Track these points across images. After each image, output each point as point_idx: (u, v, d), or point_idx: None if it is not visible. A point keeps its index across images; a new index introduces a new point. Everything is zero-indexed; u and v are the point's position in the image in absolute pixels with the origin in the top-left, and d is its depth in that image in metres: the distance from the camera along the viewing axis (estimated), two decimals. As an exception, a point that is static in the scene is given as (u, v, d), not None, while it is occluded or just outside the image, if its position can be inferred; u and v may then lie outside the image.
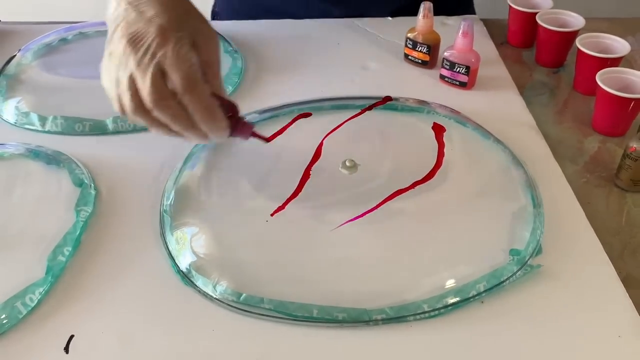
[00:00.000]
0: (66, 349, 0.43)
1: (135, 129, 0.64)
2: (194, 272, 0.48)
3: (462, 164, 0.58)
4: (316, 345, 0.44)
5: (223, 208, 0.53)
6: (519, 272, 0.48)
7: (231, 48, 0.76)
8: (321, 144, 0.60)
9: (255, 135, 0.53)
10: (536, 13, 0.76)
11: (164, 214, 0.53)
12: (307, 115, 0.64)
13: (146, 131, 0.63)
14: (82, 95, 0.69)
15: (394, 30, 0.81)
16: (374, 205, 0.53)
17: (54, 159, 0.59)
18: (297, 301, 0.45)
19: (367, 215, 0.52)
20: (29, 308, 0.45)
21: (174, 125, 0.47)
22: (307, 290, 0.46)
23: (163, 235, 0.51)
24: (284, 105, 0.65)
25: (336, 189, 0.55)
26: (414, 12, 0.73)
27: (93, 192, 0.55)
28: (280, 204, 0.53)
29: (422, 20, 0.71)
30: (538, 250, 0.50)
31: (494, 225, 0.52)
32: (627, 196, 0.57)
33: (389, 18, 0.85)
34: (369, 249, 0.50)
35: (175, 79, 0.45)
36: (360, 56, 0.77)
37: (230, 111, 0.50)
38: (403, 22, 0.83)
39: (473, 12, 0.92)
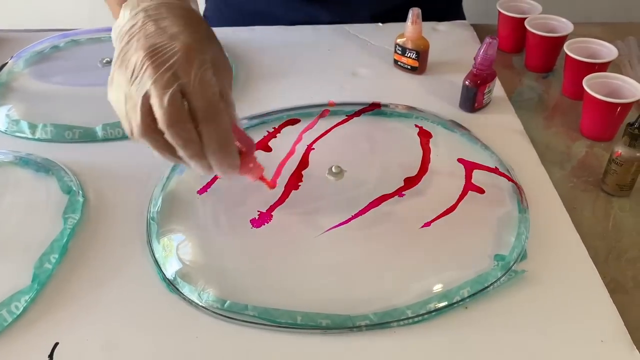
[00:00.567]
0: (50, 357, 0.43)
1: (125, 137, 0.64)
2: (179, 280, 0.48)
3: (448, 169, 0.58)
4: (300, 351, 0.44)
5: (209, 215, 0.53)
6: (504, 278, 0.48)
7: (221, 55, 0.77)
8: (308, 151, 0.60)
9: (262, 179, 0.51)
10: (525, 18, 0.76)
11: (151, 221, 0.53)
12: (295, 121, 0.64)
13: (135, 138, 0.64)
14: (72, 102, 0.69)
15: (384, 36, 0.82)
16: (359, 211, 0.53)
17: (43, 167, 0.59)
18: (281, 308, 0.45)
19: (352, 221, 0.52)
20: (15, 316, 0.45)
21: (184, 152, 0.43)
22: (292, 297, 0.46)
23: (149, 242, 0.51)
24: (273, 112, 0.66)
25: (322, 196, 0.55)
26: (402, 17, 0.73)
27: (81, 199, 0.56)
28: (265, 211, 0.53)
29: (411, 26, 0.71)
30: (523, 256, 0.50)
31: (480, 230, 0.52)
32: (613, 201, 0.58)
33: (380, 24, 0.85)
34: (354, 255, 0.50)
35: (197, 105, 0.41)
36: (350, 62, 0.77)
37: (244, 147, 0.47)
38: (393, 28, 0.83)
39: (463, 17, 0.92)
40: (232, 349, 0.44)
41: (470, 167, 0.58)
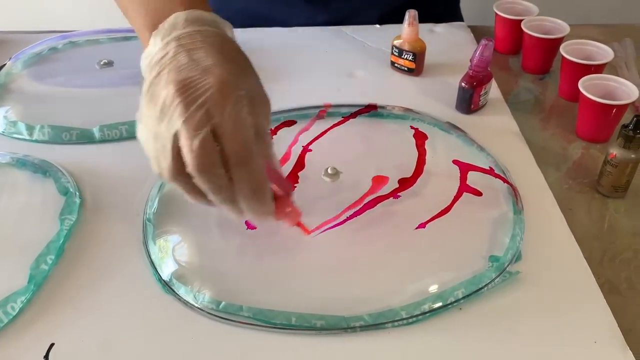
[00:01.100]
0: (46, 358, 0.43)
1: (122, 138, 0.65)
2: (175, 281, 0.48)
3: (444, 171, 0.58)
4: (295, 352, 0.44)
5: (205, 216, 0.54)
6: (498, 279, 0.48)
7: (219, 56, 0.77)
8: (304, 152, 0.60)
9: (299, 225, 0.50)
10: (522, 20, 0.76)
11: (147, 222, 0.53)
12: (291, 123, 0.65)
13: (132, 140, 0.64)
14: (70, 104, 0.69)
15: (382, 37, 0.82)
16: (354, 212, 0.53)
17: (40, 168, 0.59)
18: (276, 309, 0.45)
19: (347, 222, 0.52)
20: (10, 317, 0.46)
21: (215, 197, 0.41)
22: (287, 298, 0.46)
23: (145, 243, 0.52)
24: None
25: (318, 197, 0.55)
26: (401, 19, 0.73)
27: (78, 200, 0.56)
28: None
29: (408, 28, 0.72)
30: (517, 257, 0.50)
31: (475, 231, 0.52)
32: (608, 202, 0.58)
33: (377, 25, 0.86)
34: (349, 256, 0.50)
35: (230, 148, 0.38)
36: (347, 64, 0.77)
37: (281, 191, 0.45)
38: (390, 29, 0.83)
39: (460, 19, 0.92)
40: (228, 350, 0.44)
41: (465, 168, 0.58)
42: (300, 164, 0.59)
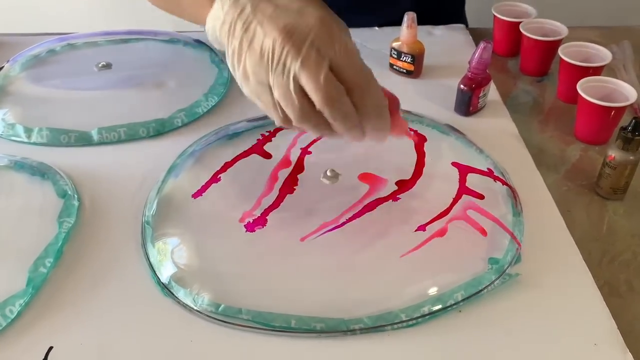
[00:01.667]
0: (44, 361, 0.43)
1: (120, 140, 0.64)
2: (174, 284, 0.48)
3: (443, 173, 0.58)
4: (294, 355, 0.44)
5: (204, 218, 0.53)
6: (497, 281, 0.48)
7: (217, 58, 0.77)
8: (303, 155, 0.60)
9: (407, 134, 0.50)
10: (520, 22, 0.76)
11: (146, 225, 0.53)
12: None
13: (131, 142, 0.65)
14: (68, 106, 0.69)
15: (380, 39, 0.82)
16: (354, 214, 0.53)
17: (38, 171, 0.59)
18: (275, 312, 0.45)
19: (347, 224, 0.52)
20: (9, 320, 0.45)
21: (342, 125, 0.43)
22: (286, 301, 0.46)
23: (144, 246, 0.52)
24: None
25: (317, 199, 0.55)
26: (399, 22, 0.73)
27: (76, 203, 0.56)
28: (260, 215, 0.53)
29: (406, 30, 0.72)
30: (517, 259, 0.50)
31: (474, 233, 0.52)
32: (607, 204, 0.58)
33: (376, 28, 0.86)
34: (348, 258, 0.50)
35: (350, 75, 0.40)
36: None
37: (392, 105, 0.46)
38: (389, 31, 0.83)
39: (465, 23, 0.93)
40: (227, 353, 0.44)
41: (464, 170, 0.58)
42: (299, 167, 0.59)
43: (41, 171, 0.59)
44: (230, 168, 0.58)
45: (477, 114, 0.69)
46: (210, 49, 0.78)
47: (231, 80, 0.74)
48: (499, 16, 0.79)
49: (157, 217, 0.54)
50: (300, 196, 0.55)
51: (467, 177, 0.57)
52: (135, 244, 0.52)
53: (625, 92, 0.63)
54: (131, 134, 0.65)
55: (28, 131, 0.65)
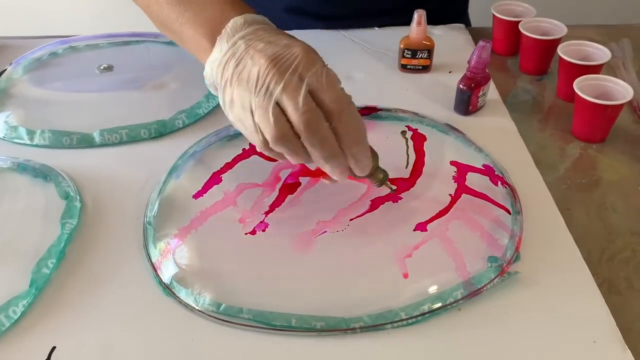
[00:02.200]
0: (48, 361, 0.44)
1: (122, 142, 0.65)
2: (175, 284, 0.48)
3: (442, 172, 0.59)
4: (295, 353, 0.44)
5: (205, 219, 0.54)
6: (497, 279, 0.48)
7: (218, 60, 0.77)
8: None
9: (386, 184, 0.52)
10: (519, 21, 0.76)
11: (148, 225, 0.53)
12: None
13: (132, 143, 0.65)
14: (70, 108, 0.70)
15: (379, 40, 0.82)
16: (354, 215, 0.53)
17: (40, 172, 0.59)
18: (276, 311, 0.46)
19: (347, 224, 0.53)
20: (12, 320, 0.46)
21: (320, 152, 0.44)
22: (287, 300, 0.47)
23: (146, 247, 0.52)
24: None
25: (317, 199, 0.56)
26: (398, 21, 0.74)
27: (78, 204, 0.56)
28: (261, 215, 0.54)
29: (417, 27, 0.72)
30: (516, 257, 0.50)
31: (473, 232, 0.52)
32: (606, 202, 0.58)
33: (376, 28, 0.86)
34: (348, 257, 0.50)
35: (329, 99, 0.42)
36: (345, 66, 0.77)
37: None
38: (389, 32, 0.84)
39: (468, 23, 0.93)
40: (228, 352, 0.44)
41: (464, 169, 0.58)
42: (299, 167, 0.59)
43: (44, 173, 0.59)
44: (231, 169, 0.59)
45: (477, 113, 0.69)
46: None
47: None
48: (498, 15, 0.79)
49: (158, 217, 0.54)
50: (300, 196, 0.56)
51: (467, 176, 0.58)
52: (137, 245, 0.53)
53: (622, 90, 0.63)
54: (133, 136, 0.65)
55: (30, 133, 0.65)
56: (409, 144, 0.62)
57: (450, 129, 0.65)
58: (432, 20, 0.77)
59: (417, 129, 0.64)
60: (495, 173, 0.58)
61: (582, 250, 0.52)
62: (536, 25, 0.76)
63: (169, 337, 0.45)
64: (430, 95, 0.72)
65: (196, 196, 0.56)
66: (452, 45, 0.82)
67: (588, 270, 0.50)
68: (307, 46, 0.44)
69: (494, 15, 0.80)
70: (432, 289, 0.47)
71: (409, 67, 0.76)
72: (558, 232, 0.54)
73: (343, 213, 0.54)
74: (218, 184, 0.57)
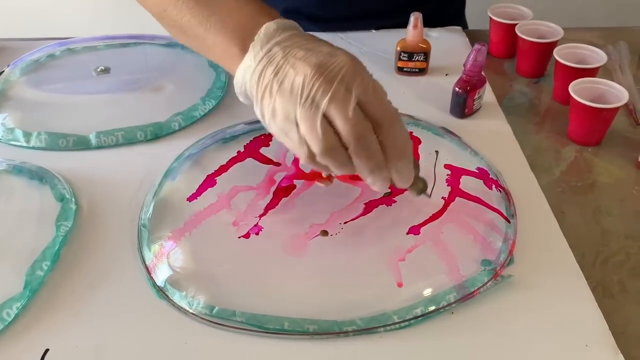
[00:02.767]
0: (41, 363, 0.44)
1: (118, 144, 0.65)
2: (169, 287, 0.48)
3: (437, 175, 0.59)
4: (288, 357, 0.44)
5: (199, 222, 0.54)
6: (490, 283, 0.48)
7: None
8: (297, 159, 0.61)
9: (425, 193, 0.51)
10: (516, 24, 0.76)
11: (142, 228, 0.53)
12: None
13: (128, 146, 0.65)
14: (67, 111, 0.70)
15: (377, 42, 0.82)
16: (348, 219, 0.53)
17: (36, 175, 0.60)
18: (269, 314, 0.46)
19: (340, 227, 0.53)
20: (6, 322, 0.46)
21: (366, 164, 0.43)
22: (280, 303, 0.47)
23: (140, 249, 0.52)
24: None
25: (311, 202, 0.56)
26: (395, 24, 0.74)
27: (74, 206, 0.56)
28: (254, 218, 0.54)
29: (413, 30, 0.72)
30: (510, 261, 0.50)
31: (467, 235, 0.52)
32: (601, 205, 0.58)
33: (373, 31, 0.86)
34: (341, 260, 0.50)
35: (377, 112, 0.41)
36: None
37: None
38: (386, 34, 0.84)
39: (465, 26, 0.93)
40: (221, 355, 0.44)
41: (458, 173, 0.58)
42: (294, 170, 0.59)
43: (39, 175, 0.60)
44: (226, 172, 0.59)
45: (473, 116, 0.69)
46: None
47: (229, 84, 0.74)
48: (495, 18, 0.79)
49: (153, 220, 0.54)
50: (295, 199, 0.56)
51: (461, 180, 0.58)
52: (132, 247, 0.53)
53: (617, 93, 0.63)
54: (129, 138, 0.65)
55: (27, 135, 0.65)
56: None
57: (446, 132, 0.65)
58: (429, 22, 0.77)
59: (412, 132, 0.64)
60: (490, 176, 0.58)
61: (576, 253, 0.52)
62: (533, 28, 0.76)
63: (162, 339, 0.45)
64: (426, 98, 0.72)
65: (190, 199, 0.56)
66: (449, 48, 0.82)
67: (582, 274, 0.50)
68: (351, 55, 0.43)
69: (490, 18, 0.80)
70: (426, 292, 0.47)
71: (405, 69, 0.76)
72: (552, 235, 0.54)
73: (337, 216, 0.54)
74: (212, 186, 0.57)
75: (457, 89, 0.67)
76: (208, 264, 0.51)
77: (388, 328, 0.45)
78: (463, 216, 0.54)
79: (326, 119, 0.41)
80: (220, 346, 0.45)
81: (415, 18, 0.72)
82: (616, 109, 0.62)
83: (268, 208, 0.55)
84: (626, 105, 0.69)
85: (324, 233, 0.52)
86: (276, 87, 0.42)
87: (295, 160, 0.60)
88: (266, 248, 0.51)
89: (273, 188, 0.57)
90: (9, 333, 0.46)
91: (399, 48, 0.75)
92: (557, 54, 0.69)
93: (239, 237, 0.52)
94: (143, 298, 0.48)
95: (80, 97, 0.72)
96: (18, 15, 1.47)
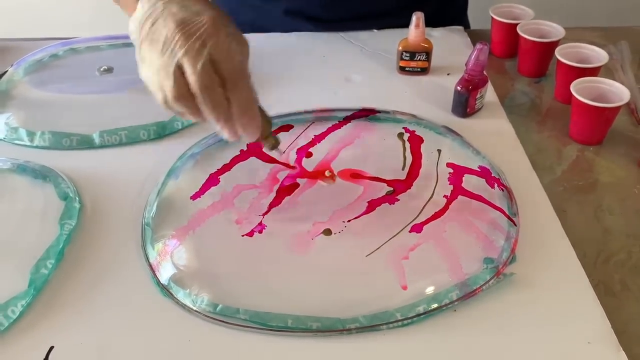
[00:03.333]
0: (46, 360, 0.44)
1: (121, 143, 0.65)
2: (172, 285, 0.49)
3: (439, 174, 0.59)
4: (290, 354, 0.44)
5: (203, 220, 0.54)
6: (492, 281, 0.48)
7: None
8: (301, 156, 0.61)
9: (277, 149, 0.54)
10: (517, 24, 0.77)
11: (146, 226, 0.54)
12: (289, 127, 0.65)
13: (132, 145, 0.65)
14: (70, 110, 0.70)
15: (378, 42, 0.83)
16: (351, 217, 0.54)
17: (40, 174, 0.60)
18: (272, 311, 0.46)
19: (343, 224, 0.53)
20: (11, 320, 0.46)
21: (213, 115, 0.47)
22: (283, 301, 0.47)
23: (144, 247, 0.52)
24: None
25: (315, 201, 0.56)
26: (396, 23, 0.74)
27: (77, 205, 0.56)
28: (258, 217, 0.54)
29: (415, 30, 0.73)
30: (512, 259, 0.51)
31: (469, 234, 0.52)
32: (603, 204, 0.58)
33: (374, 30, 0.86)
34: (344, 258, 0.51)
35: (225, 70, 0.45)
36: (345, 68, 0.78)
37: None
38: (388, 34, 0.84)
39: (467, 25, 0.93)
40: (224, 352, 0.45)
41: (460, 171, 0.59)
42: (297, 169, 0.59)
43: (43, 174, 0.60)
44: (229, 171, 0.59)
45: (475, 116, 0.69)
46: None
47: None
48: (496, 18, 0.79)
49: (156, 218, 0.54)
50: (298, 198, 0.56)
51: (463, 178, 0.58)
52: (136, 246, 0.53)
53: (618, 92, 0.64)
54: (132, 137, 0.66)
55: (31, 135, 0.66)
56: (406, 145, 0.62)
57: (448, 131, 0.65)
58: (431, 22, 0.77)
59: (414, 131, 0.64)
60: (492, 175, 0.58)
61: (577, 252, 0.52)
62: (534, 27, 0.77)
63: (166, 337, 0.46)
64: (428, 97, 0.72)
65: (194, 197, 0.56)
66: (451, 48, 0.82)
67: (583, 272, 0.50)
68: (217, 14, 0.46)
69: (492, 17, 0.80)
70: (428, 290, 0.48)
71: (407, 69, 0.76)
72: (554, 234, 0.54)
73: (340, 214, 0.54)
74: (216, 185, 0.57)
75: (459, 88, 0.67)
76: (211, 262, 0.51)
77: (391, 325, 0.46)
78: (465, 214, 0.54)
79: (180, 70, 0.45)
80: (223, 343, 0.45)
81: (417, 17, 0.72)
82: (618, 108, 0.62)
83: (271, 206, 0.55)
84: (628, 104, 0.69)
85: (327, 232, 0.52)
86: (150, 37, 0.47)
87: (299, 159, 0.61)
88: (269, 246, 0.52)
89: (276, 187, 0.57)
90: (14, 330, 0.46)
91: (400, 47, 0.75)
92: (559, 54, 0.70)
93: (243, 236, 0.52)
94: (147, 296, 0.49)
95: (83, 96, 0.72)
96: (21, 15, 1.48)
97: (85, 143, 0.65)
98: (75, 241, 0.54)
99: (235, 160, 0.60)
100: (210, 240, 0.52)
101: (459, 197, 0.56)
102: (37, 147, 0.65)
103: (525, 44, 0.75)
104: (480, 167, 0.60)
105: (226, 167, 0.59)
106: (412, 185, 0.57)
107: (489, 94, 0.72)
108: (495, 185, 0.57)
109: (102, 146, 0.65)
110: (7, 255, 0.52)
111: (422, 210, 0.54)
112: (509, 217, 0.54)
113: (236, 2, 0.86)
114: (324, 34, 0.85)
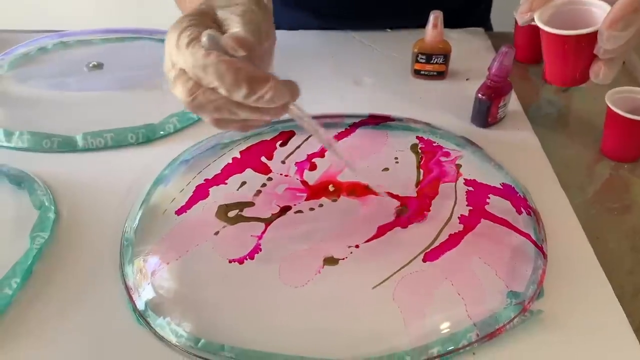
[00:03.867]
0: (-1, 399, 0.38)
1: (107, 147, 0.60)
2: (150, 312, 0.43)
3: (458, 191, 0.52)
4: (282, 400, 0.39)
5: (189, 239, 0.48)
6: (517, 319, 0.42)
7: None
8: (301, 169, 0.55)
9: None
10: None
11: (126, 241, 0.48)
12: (290, 134, 0.59)
13: (117, 149, 0.60)
14: (54, 108, 0.65)
15: (392, 43, 0.77)
16: (358, 242, 0.47)
17: (14, 179, 0.54)
18: (262, 349, 0.40)
19: (349, 250, 0.47)
20: (-36, 349, 0.41)
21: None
22: (275, 337, 0.41)
23: (122, 266, 0.46)
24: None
25: (315, 220, 0.50)
26: (411, 23, 0.68)
27: (52, 216, 0.51)
28: (251, 237, 0.48)
29: (433, 30, 0.67)
30: (540, 294, 0.44)
31: (491, 263, 0.46)
32: (641, 231, 0.52)
33: (388, 30, 0.80)
34: (346, 290, 0.44)
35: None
36: (354, 70, 0.72)
37: None
38: (402, 34, 0.79)
39: (490, 28, 0.88)
40: (205, 396, 0.39)
41: (482, 190, 0.52)
42: (298, 183, 0.53)
43: (17, 179, 0.54)
44: (222, 183, 0.53)
45: (496, 126, 0.63)
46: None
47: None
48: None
49: (139, 233, 0.49)
50: (295, 216, 0.50)
51: (488, 200, 0.51)
52: (113, 264, 0.47)
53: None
54: (119, 140, 0.60)
55: (8, 134, 0.60)
56: (420, 158, 0.56)
57: (467, 142, 0.59)
58: (451, 23, 0.72)
59: (430, 141, 0.58)
60: (518, 195, 0.52)
61: (614, 286, 0.46)
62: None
63: (139, 374, 0.40)
64: (445, 104, 0.66)
65: (179, 212, 0.50)
66: (471, 51, 0.76)
67: (621, 310, 0.44)
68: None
69: (516, 19, 0.74)
70: (443, 329, 0.41)
71: (422, 72, 0.70)
72: (587, 263, 0.48)
73: (344, 238, 0.48)
74: (204, 199, 0.51)
75: (480, 95, 0.61)
76: (196, 287, 0.45)
77: (399, 370, 0.40)
78: (486, 241, 0.48)
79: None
80: (205, 385, 0.39)
81: (435, 17, 0.66)
82: (659, 122, 0.56)
83: (267, 225, 0.49)
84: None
85: (331, 261, 0.46)
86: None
87: (299, 172, 0.54)
88: (262, 273, 0.45)
89: (274, 202, 0.51)
90: (-35, 362, 0.41)
91: (416, 49, 0.69)
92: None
93: (231, 261, 0.46)
94: (122, 323, 0.43)
95: (69, 94, 0.67)
96: (9, 4, 1.43)
97: (67, 145, 0.60)
98: (47, 257, 0.48)
99: (227, 170, 0.54)
100: (195, 262, 0.46)
101: (481, 220, 0.49)
102: (14, 148, 0.60)
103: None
104: (502, 184, 0.53)
105: (218, 178, 0.53)
106: (427, 204, 0.51)
107: (512, 102, 0.66)
108: (522, 209, 0.51)
109: (85, 149, 0.60)
110: (-33, 272, 0.46)
111: (437, 235, 0.48)
112: (536, 244, 0.48)
113: None
114: (333, 33, 0.79)
